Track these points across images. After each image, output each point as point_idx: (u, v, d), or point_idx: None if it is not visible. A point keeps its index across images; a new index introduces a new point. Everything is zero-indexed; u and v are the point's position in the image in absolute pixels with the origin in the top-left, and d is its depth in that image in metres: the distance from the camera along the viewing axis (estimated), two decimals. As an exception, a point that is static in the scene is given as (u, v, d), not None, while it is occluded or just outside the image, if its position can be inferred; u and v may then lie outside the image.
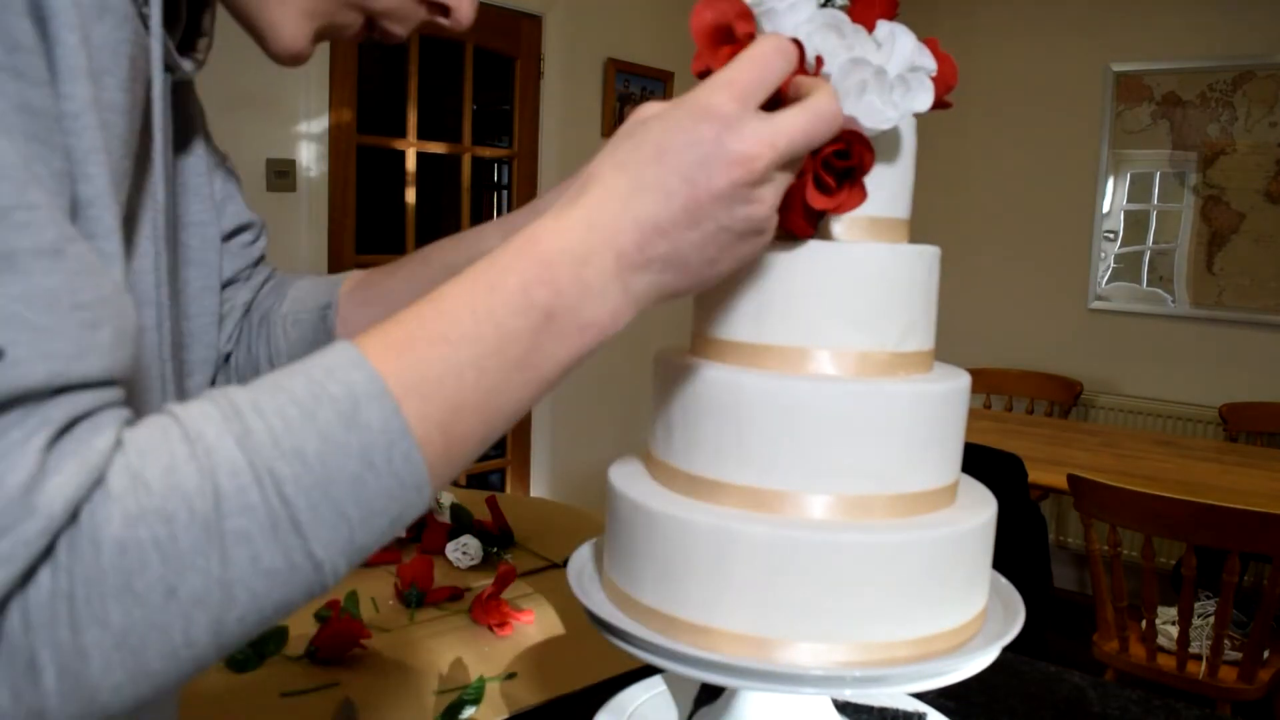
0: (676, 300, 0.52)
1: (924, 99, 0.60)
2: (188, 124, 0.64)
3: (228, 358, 0.73)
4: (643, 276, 0.47)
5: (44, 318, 0.34)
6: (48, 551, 0.34)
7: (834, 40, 0.59)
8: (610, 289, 0.46)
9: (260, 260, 0.75)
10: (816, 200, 0.58)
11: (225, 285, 0.71)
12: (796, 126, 0.48)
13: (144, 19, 0.48)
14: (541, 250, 0.45)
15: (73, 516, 0.34)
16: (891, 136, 0.66)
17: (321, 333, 0.71)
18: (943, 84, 0.63)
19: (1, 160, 0.34)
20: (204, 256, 0.64)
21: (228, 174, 0.71)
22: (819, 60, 0.59)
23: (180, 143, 0.62)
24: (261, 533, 0.37)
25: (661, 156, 0.47)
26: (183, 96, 0.63)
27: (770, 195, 0.49)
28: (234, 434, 0.37)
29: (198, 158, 0.64)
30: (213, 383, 0.71)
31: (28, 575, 0.33)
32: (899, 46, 0.60)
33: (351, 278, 0.74)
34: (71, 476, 0.34)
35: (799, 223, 0.60)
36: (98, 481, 0.35)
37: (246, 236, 0.73)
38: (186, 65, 0.57)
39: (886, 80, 0.58)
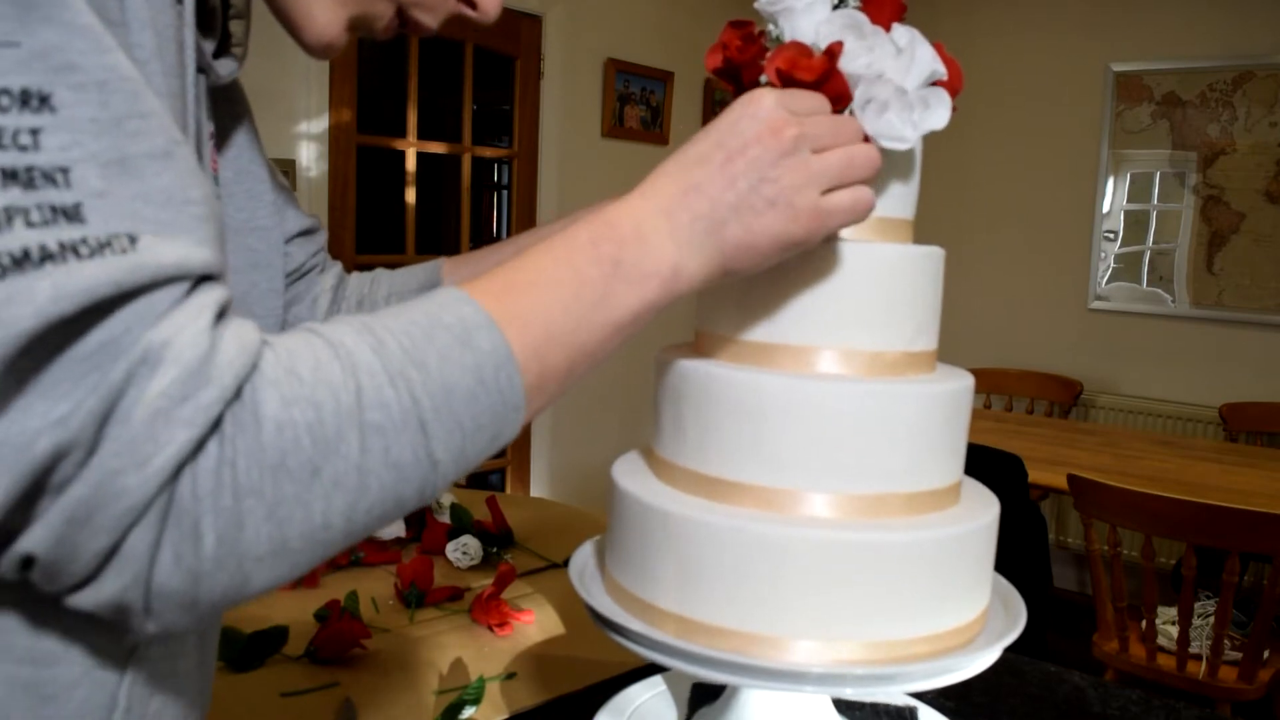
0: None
1: (942, 116, 0.60)
2: (239, 125, 0.65)
3: None
4: (689, 232, 0.53)
5: (163, 212, 0.37)
6: (217, 423, 0.37)
7: (853, 41, 0.59)
8: (664, 242, 0.53)
9: (324, 249, 0.80)
10: None
11: (304, 273, 0.77)
12: (824, 118, 0.56)
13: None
14: (607, 214, 0.53)
15: (237, 393, 0.38)
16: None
17: None
18: (948, 89, 0.62)
19: (116, 71, 0.37)
20: (269, 259, 0.68)
21: (284, 181, 0.74)
22: (830, 50, 0.58)
23: (239, 145, 0.65)
24: (394, 427, 0.41)
25: (707, 134, 0.55)
26: (232, 98, 0.64)
27: (799, 166, 0.54)
28: (369, 344, 0.42)
29: (258, 164, 0.67)
30: None
31: (200, 444, 0.37)
32: (920, 56, 0.60)
33: (449, 260, 0.82)
34: (236, 355, 0.38)
35: None
36: (255, 365, 0.39)
37: (309, 234, 0.78)
38: (224, 68, 0.59)
39: (907, 100, 0.58)
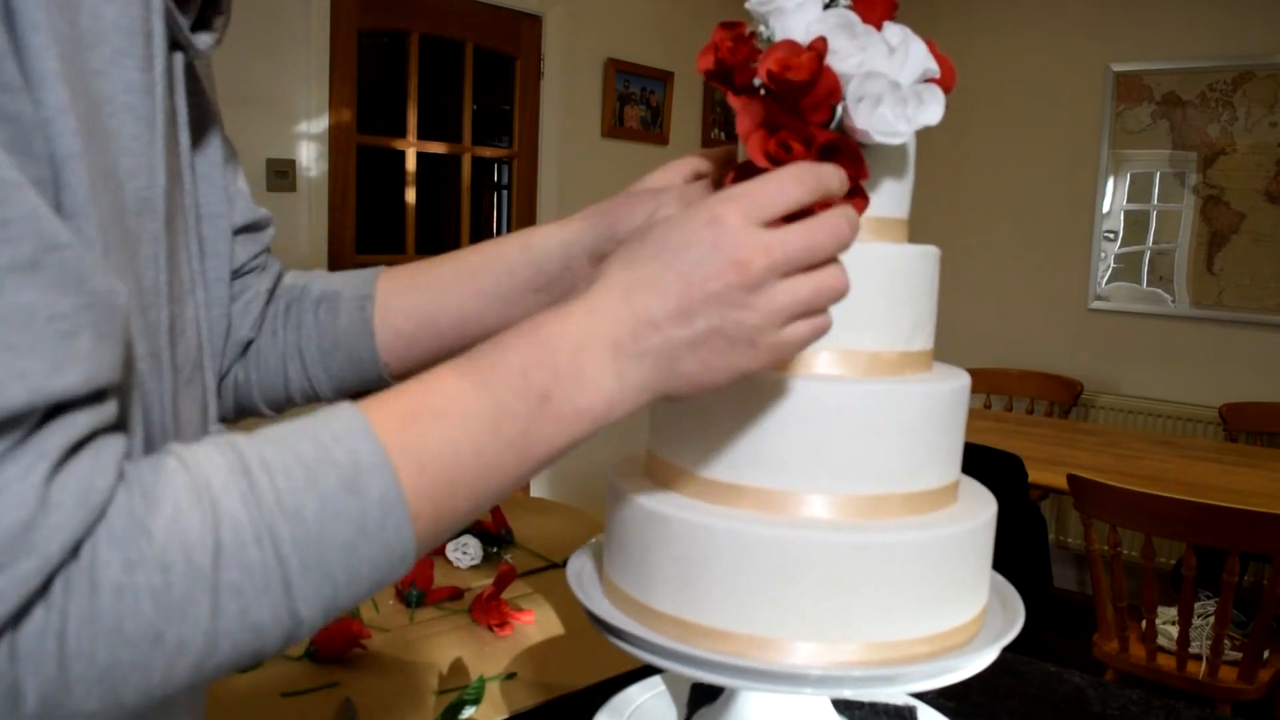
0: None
1: (935, 111, 0.59)
2: (205, 110, 0.62)
3: (247, 346, 0.73)
4: (637, 368, 0.48)
5: (17, 336, 0.33)
6: (43, 588, 0.34)
7: (845, 41, 0.59)
8: (604, 376, 0.48)
9: (268, 249, 0.76)
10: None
11: (242, 273, 0.72)
12: (796, 236, 0.50)
13: None
14: (542, 335, 0.47)
15: (73, 553, 0.34)
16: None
17: (359, 321, 0.73)
18: (941, 87, 0.62)
19: None
20: (218, 248, 0.64)
21: (238, 166, 0.71)
22: (815, 47, 0.58)
23: (199, 129, 0.61)
24: (254, 588, 0.38)
25: (661, 254, 0.49)
26: (200, 80, 0.61)
27: (765, 305, 0.49)
28: (239, 489, 0.38)
29: (214, 147, 0.64)
30: (226, 374, 0.72)
31: (21, 611, 0.33)
32: (913, 53, 0.60)
33: (386, 272, 0.77)
34: (72, 514, 0.34)
35: None
36: (99, 519, 0.35)
37: (258, 227, 0.74)
38: (202, 42, 0.55)
39: (901, 94, 0.58)
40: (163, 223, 0.47)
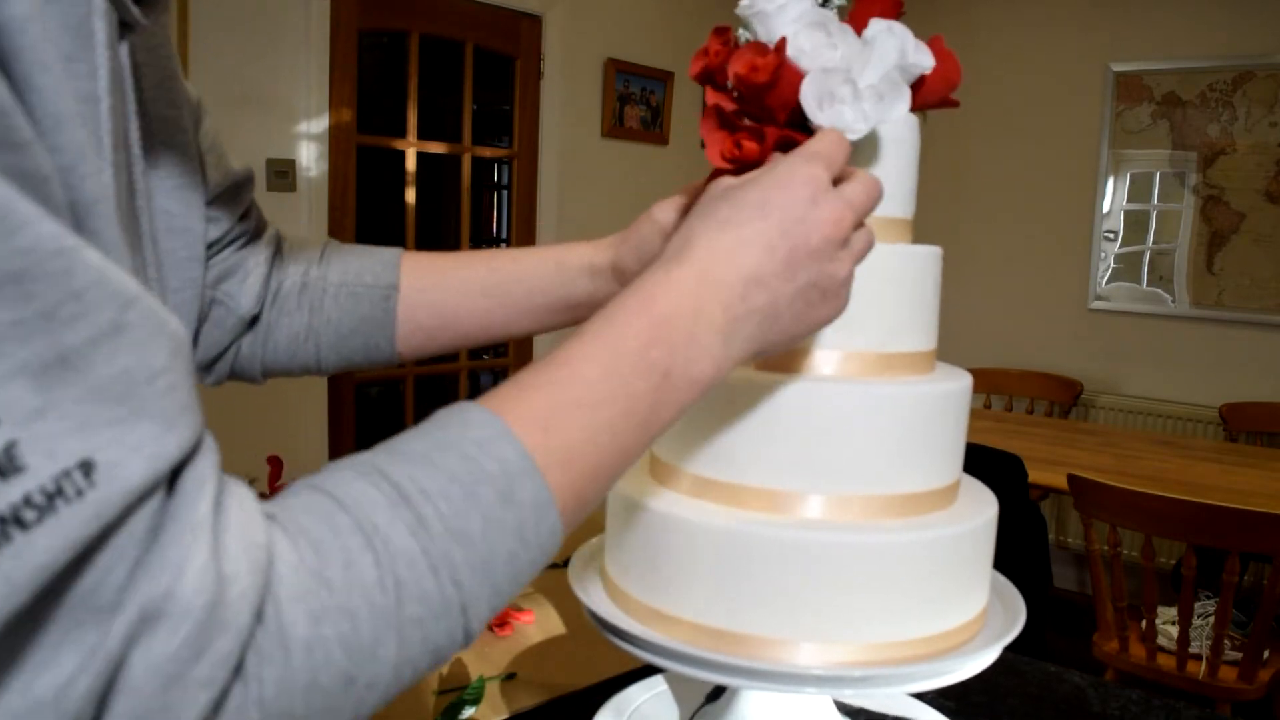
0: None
1: (899, 108, 0.59)
2: (160, 70, 0.58)
3: (254, 320, 0.71)
4: (743, 327, 0.50)
5: (121, 407, 0.30)
6: (238, 666, 0.33)
7: (819, 38, 0.59)
8: (715, 342, 0.49)
9: (250, 213, 0.72)
10: None
11: (224, 245, 0.69)
12: (864, 192, 0.54)
13: None
14: (658, 310, 0.47)
15: (257, 616, 0.34)
16: (896, 137, 0.66)
17: (381, 311, 0.73)
18: (946, 82, 0.62)
19: (34, 251, 0.28)
20: (187, 223, 0.60)
21: (204, 116, 0.65)
22: (794, 73, 0.58)
23: (155, 98, 0.57)
24: (433, 616, 0.38)
25: (765, 214, 0.51)
26: (153, 44, 0.58)
27: (848, 256, 0.53)
28: (405, 522, 0.38)
29: (175, 108, 0.59)
30: (228, 347, 0.70)
31: (223, 694, 0.33)
32: (879, 47, 0.60)
33: (409, 257, 0.75)
34: (250, 579, 0.33)
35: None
36: (271, 574, 0.34)
37: (234, 193, 0.69)
38: (147, 16, 0.51)
39: (856, 91, 0.58)
40: (116, 222, 0.43)
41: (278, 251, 0.75)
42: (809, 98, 0.58)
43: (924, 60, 0.61)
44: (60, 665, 0.29)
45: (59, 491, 0.28)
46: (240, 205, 0.70)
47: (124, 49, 0.48)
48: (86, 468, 0.29)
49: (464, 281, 0.74)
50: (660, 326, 0.47)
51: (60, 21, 0.36)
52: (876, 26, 0.60)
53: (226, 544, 0.33)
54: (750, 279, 0.49)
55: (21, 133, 0.30)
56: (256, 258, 0.71)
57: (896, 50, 0.60)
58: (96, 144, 0.39)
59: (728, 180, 0.55)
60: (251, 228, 0.72)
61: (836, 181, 0.54)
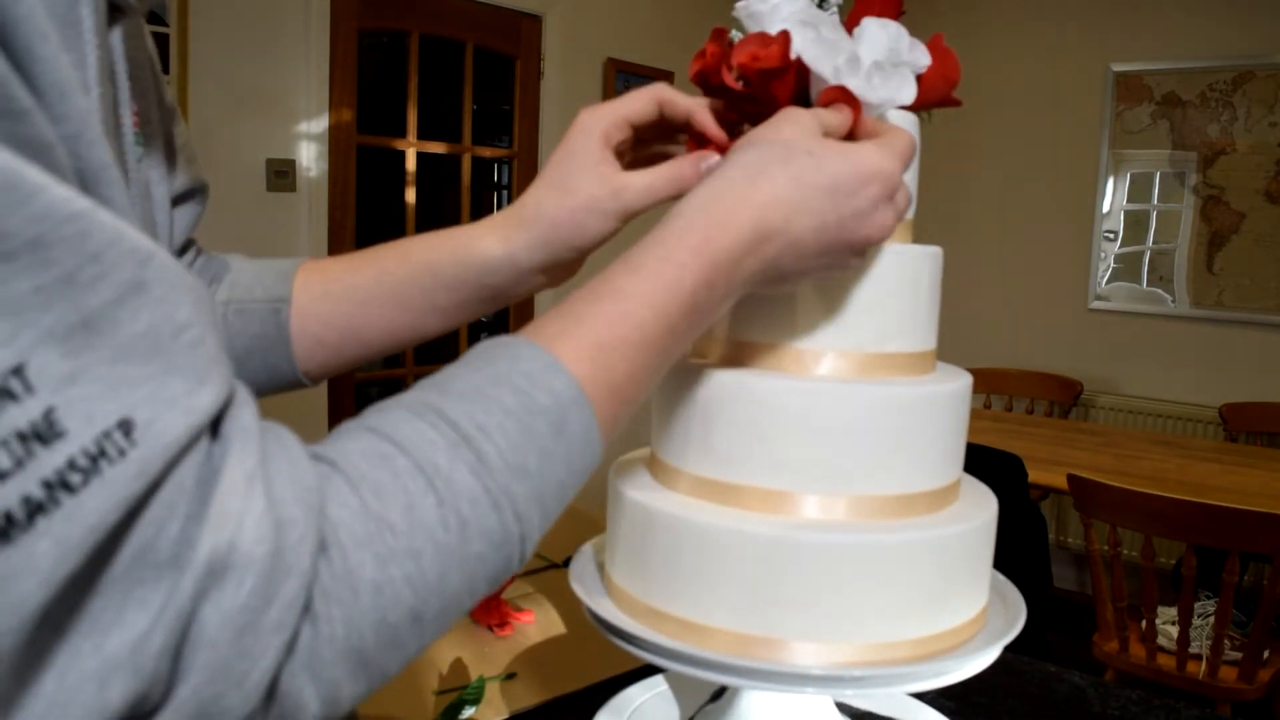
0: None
1: (906, 91, 0.60)
2: (143, 70, 0.56)
3: None
4: (762, 275, 0.52)
5: (152, 364, 0.30)
6: (306, 604, 0.34)
7: (809, 35, 0.59)
8: (738, 290, 0.51)
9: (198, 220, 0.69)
10: None
11: (180, 251, 0.66)
12: (902, 148, 0.56)
13: None
14: (713, 251, 0.49)
15: (321, 546, 0.34)
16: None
17: (272, 326, 0.67)
18: (946, 80, 0.62)
19: (50, 216, 0.28)
20: (157, 218, 0.58)
21: (175, 117, 0.64)
22: (798, 60, 0.59)
23: (138, 91, 0.56)
24: (495, 549, 0.40)
25: (819, 163, 0.52)
26: (139, 38, 0.56)
27: (887, 217, 0.55)
28: (466, 462, 0.39)
29: (151, 107, 0.58)
30: None
31: (295, 634, 0.34)
32: (869, 39, 0.60)
33: (305, 267, 0.70)
34: (306, 522, 0.34)
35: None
36: (325, 514, 0.35)
37: (193, 202, 0.66)
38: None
39: (861, 67, 0.58)
40: (124, 189, 0.43)
41: (192, 266, 0.69)
42: (824, 68, 0.58)
43: (919, 58, 0.61)
44: (131, 623, 0.29)
45: (102, 453, 0.28)
46: (194, 214, 0.67)
47: (116, 34, 0.48)
48: (126, 427, 0.29)
49: (355, 290, 0.67)
50: (712, 269, 0.49)
51: (47, 10, 0.36)
52: (865, 23, 0.61)
53: (279, 489, 0.34)
54: (800, 244, 0.52)
55: (20, 101, 0.30)
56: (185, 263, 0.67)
57: (886, 42, 0.60)
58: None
59: (779, 121, 0.56)
60: (190, 250, 0.69)
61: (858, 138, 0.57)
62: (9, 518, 0.27)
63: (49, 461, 0.27)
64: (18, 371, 0.27)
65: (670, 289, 0.47)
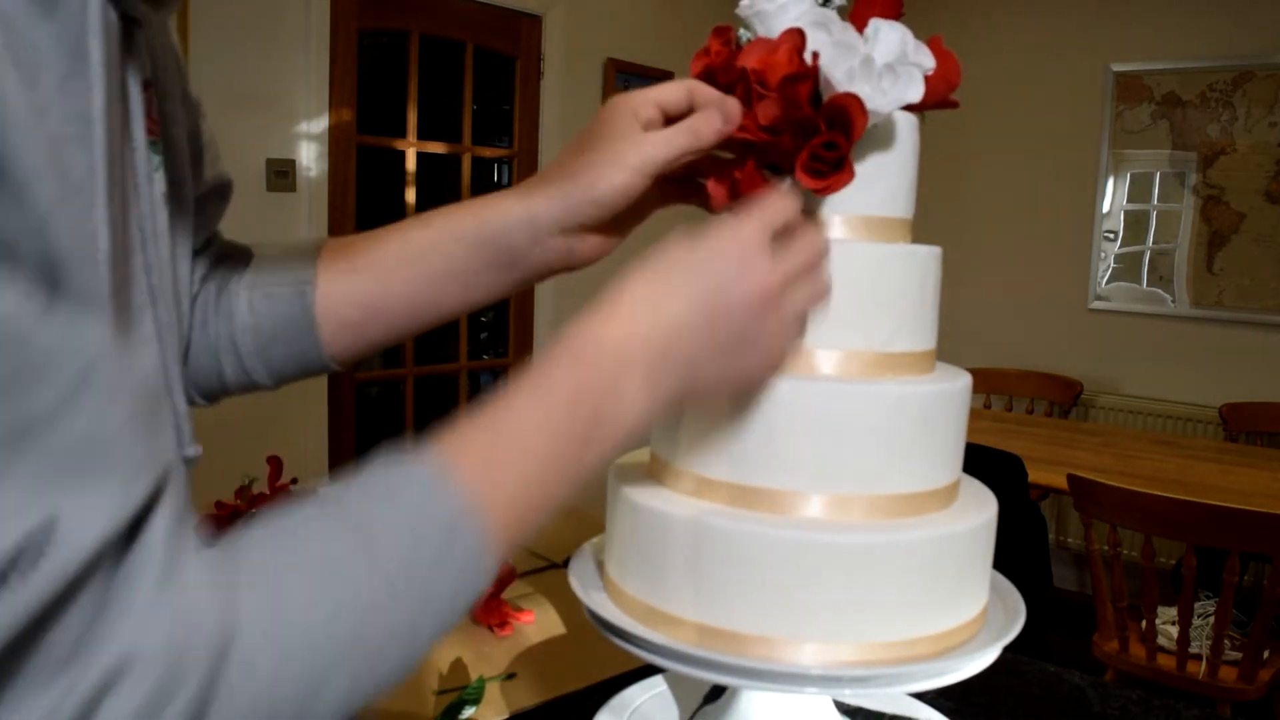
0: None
1: (914, 90, 0.60)
2: (168, 71, 0.57)
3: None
4: (665, 379, 0.52)
5: (81, 467, 0.31)
6: (202, 707, 0.34)
7: (821, 37, 0.59)
8: (641, 391, 0.51)
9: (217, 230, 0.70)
10: (808, 183, 0.60)
11: (204, 248, 0.66)
12: (798, 255, 0.57)
13: None
14: (588, 356, 0.50)
15: (222, 658, 0.34)
16: (895, 136, 0.66)
17: (299, 308, 0.66)
18: (945, 82, 0.63)
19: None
20: (180, 221, 0.58)
21: (207, 125, 0.65)
22: (815, 56, 0.59)
23: (162, 92, 0.56)
24: (390, 649, 0.41)
25: (692, 273, 0.54)
26: (162, 36, 0.56)
27: (777, 323, 0.56)
28: (362, 564, 0.40)
29: (175, 106, 0.58)
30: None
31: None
32: (882, 40, 0.60)
33: (328, 247, 0.69)
34: (213, 628, 0.34)
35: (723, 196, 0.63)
36: (230, 619, 0.35)
37: (218, 198, 0.67)
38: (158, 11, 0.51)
39: (874, 69, 0.59)
40: (98, 261, 0.40)
41: (214, 261, 0.69)
42: (827, 75, 0.58)
43: (924, 60, 0.61)
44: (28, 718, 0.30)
45: (17, 558, 0.29)
46: (219, 210, 0.67)
47: (139, 40, 0.48)
48: (47, 526, 0.29)
49: (379, 262, 0.67)
50: (591, 372, 0.50)
51: (55, 41, 0.36)
52: (875, 24, 0.61)
53: (187, 593, 0.34)
54: (671, 334, 0.52)
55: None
56: (199, 269, 0.67)
57: (897, 42, 0.60)
58: (88, 165, 0.38)
59: (685, 233, 0.56)
60: (214, 242, 0.69)
61: (786, 237, 0.57)
62: None
63: None
64: None
65: (546, 395, 0.49)
